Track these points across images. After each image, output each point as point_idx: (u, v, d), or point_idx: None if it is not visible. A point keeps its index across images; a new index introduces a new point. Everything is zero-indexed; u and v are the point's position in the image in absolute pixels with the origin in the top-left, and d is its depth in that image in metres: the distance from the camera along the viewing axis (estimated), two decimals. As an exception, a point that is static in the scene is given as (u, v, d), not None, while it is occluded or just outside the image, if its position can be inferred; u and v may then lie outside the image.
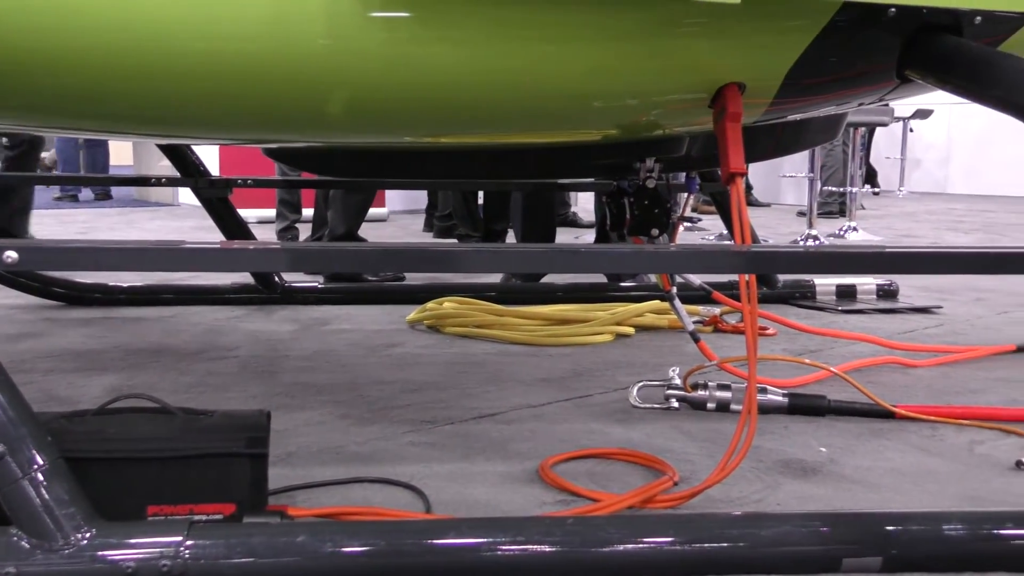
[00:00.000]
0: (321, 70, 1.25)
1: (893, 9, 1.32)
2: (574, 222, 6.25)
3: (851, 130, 5.88)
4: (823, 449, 1.67)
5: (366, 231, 3.86)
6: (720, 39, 1.35)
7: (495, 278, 3.42)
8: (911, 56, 1.40)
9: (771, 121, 1.85)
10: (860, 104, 1.75)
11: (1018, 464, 1.57)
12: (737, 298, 2.01)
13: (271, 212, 4.76)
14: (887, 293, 3.28)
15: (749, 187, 8.38)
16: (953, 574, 1.06)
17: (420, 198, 6.87)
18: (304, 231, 4.44)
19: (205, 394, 1.98)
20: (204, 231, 5.54)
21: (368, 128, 1.54)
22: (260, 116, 1.40)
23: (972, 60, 1.29)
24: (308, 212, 4.27)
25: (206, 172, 2.98)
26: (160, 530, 1.01)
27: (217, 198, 2.98)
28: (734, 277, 2.78)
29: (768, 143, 2.11)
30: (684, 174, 2.27)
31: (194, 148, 2.98)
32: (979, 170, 10.40)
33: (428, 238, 5.57)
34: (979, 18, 1.36)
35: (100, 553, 0.98)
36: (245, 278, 3.22)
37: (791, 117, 1.90)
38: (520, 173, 2.64)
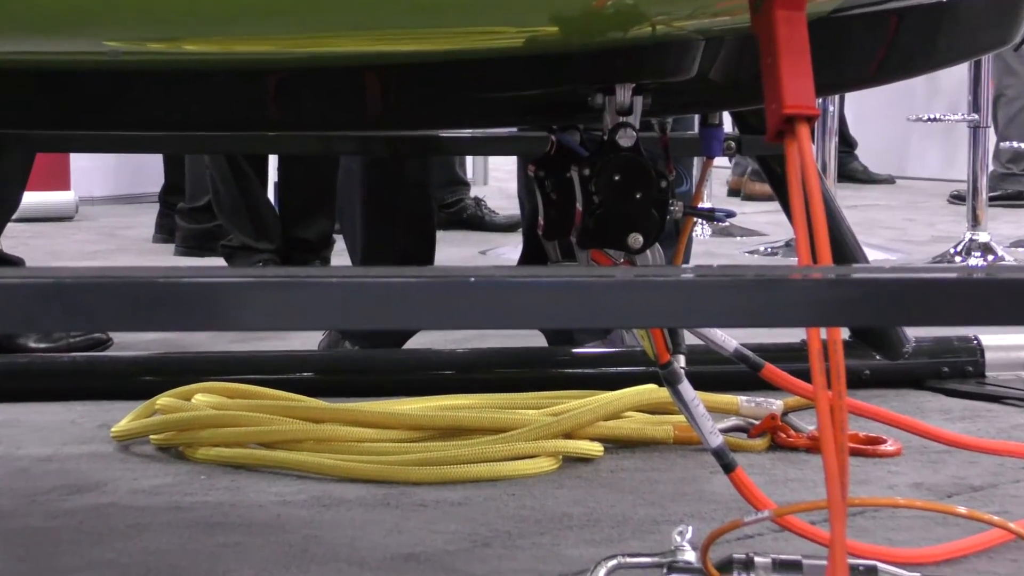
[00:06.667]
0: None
1: None
2: (477, 218, 6.30)
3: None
4: None
5: (26, 240, 3.84)
6: None
7: (310, 342, 3.43)
8: None
9: (872, 8, 1.91)
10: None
11: None
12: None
13: None
14: None
15: (849, 145, 8.54)
16: None
17: (149, 174, 6.85)
18: None
19: None
20: None
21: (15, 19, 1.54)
22: None
23: None
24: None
25: None
26: None
27: None
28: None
29: (870, 53, 2.16)
30: (696, 118, 2.30)
31: None
32: None
33: (166, 256, 5.55)
34: None
35: None
36: None
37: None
38: (354, 119, 2.64)
